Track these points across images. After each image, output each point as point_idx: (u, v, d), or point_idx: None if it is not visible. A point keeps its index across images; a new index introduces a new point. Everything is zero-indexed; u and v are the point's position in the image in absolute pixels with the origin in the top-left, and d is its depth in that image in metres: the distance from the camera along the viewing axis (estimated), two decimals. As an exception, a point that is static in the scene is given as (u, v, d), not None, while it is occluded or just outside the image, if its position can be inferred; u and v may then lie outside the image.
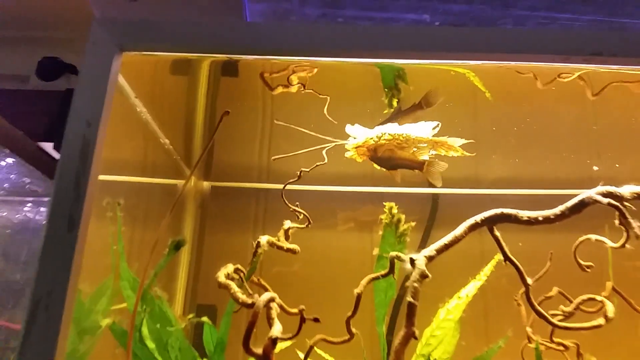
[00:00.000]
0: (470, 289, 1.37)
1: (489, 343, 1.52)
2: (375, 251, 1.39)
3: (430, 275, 0.96)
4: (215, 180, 1.71)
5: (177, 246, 1.01)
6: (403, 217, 1.37)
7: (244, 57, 1.05)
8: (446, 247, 1.04)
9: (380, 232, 1.44)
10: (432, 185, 1.70)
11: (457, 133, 1.37)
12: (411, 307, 0.93)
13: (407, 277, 1.59)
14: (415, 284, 0.94)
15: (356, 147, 1.37)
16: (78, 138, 0.88)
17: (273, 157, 1.39)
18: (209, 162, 1.70)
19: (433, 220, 1.66)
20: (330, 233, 1.75)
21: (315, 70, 1.33)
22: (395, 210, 1.38)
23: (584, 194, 1.00)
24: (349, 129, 1.33)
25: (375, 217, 1.75)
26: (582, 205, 1.01)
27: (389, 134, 1.32)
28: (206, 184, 1.70)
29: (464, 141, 1.33)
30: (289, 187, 1.38)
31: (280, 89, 1.43)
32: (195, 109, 1.60)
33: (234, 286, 1.01)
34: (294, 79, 1.30)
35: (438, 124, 1.33)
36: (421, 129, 1.33)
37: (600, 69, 1.15)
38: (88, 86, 0.91)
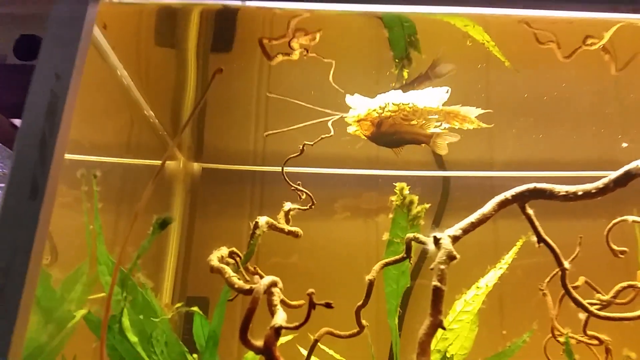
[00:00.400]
0: (490, 278, 1.24)
1: (505, 337, 1.40)
2: (385, 236, 1.26)
3: (458, 257, 0.83)
4: (207, 162, 1.57)
5: (163, 224, 0.88)
6: (416, 198, 1.24)
7: (239, 2, 0.91)
8: (473, 226, 0.91)
9: (390, 217, 1.30)
10: (442, 168, 1.58)
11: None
12: (437, 293, 0.80)
13: (417, 265, 1.45)
14: (442, 266, 0.81)
15: (359, 121, 1.23)
16: (45, 92, 0.74)
17: (266, 133, 1.25)
18: (200, 142, 1.56)
19: (444, 204, 1.53)
20: (331, 221, 1.62)
21: (318, 35, 1.19)
22: (406, 191, 1.25)
23: (630, 164, 0.87)
24: (349, 99, 1.19)
25: (380, 203, 1.62)
26: (628, 176, 0.88)
27: (392, 104, 1.18)
28: (197, 166, 1.55)
29: (480, 111, 1.18)
30: (286, 169, 1.24)
31: (280, 57, 1.29)
32: (185, 84, 1.46)
33: (228, 270, 0.88)
34: (296, 44, 1.16)
35: (448, 90, 1.18)
36: (429, 97, 1.18)
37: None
38: (59, 34, 0.78)
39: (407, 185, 1.27)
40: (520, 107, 1.44)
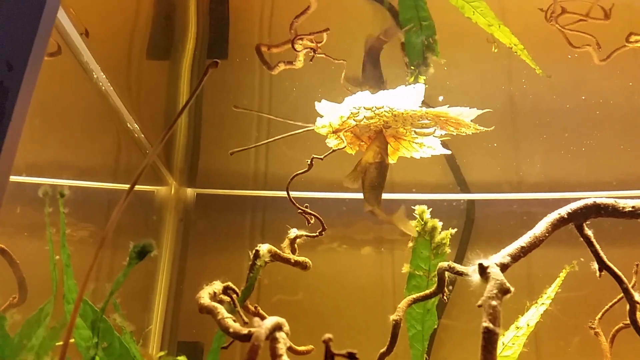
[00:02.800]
0: (530, 317, 1.06)
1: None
2: (405, 268, 1.08)
3: (512, 289, 0.66)
4: (201, 187, 1.40)
5: (141, 253, 0.71)
6: (439, 223, 1.07)
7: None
8: (524, 251, 0.75)
9: (409, 246, 1.13)
10: (466, 190, 1.42)
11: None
12: (490, 337, 0.62)
13: (443, 302, 1.27)
14: (494, 302, 0.63)
15: (335, 132, 1.02)
16: (-9, 85, 0.59)
17: (231, 151, 1.09)
18: (194, 165, 1.40)
19: (470, 231, 1.36)
20: (341, 251, 1.45)
21: (325, 36, 1.05)
22: (427, 215, 1.08)
23: None
24: (318, 106, 0.97)
25: (395, 231, 1.45)
26: None
27: (364, 108, 0.96)
28: (190, 192, 1.39)
29: (476, 112, 0.96)
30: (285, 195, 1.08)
31: (281, 66, 1.14)
32: (177, 99, 1.32)
33: (222, 310, 0.70)
34: (300, 46, 1.02)
35: (422, 88, 0.94)
36: (404, 97, 0.95)
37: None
38: (12, 14, 0.63)
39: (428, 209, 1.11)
40: (550, 118, 1.29)
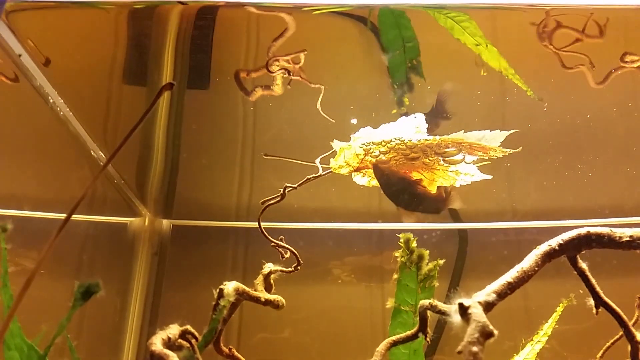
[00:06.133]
0: (526, 355, 0.98)
1: None
2: (390, 303, 1.01)
3: (496, 332, 0.58)
4: (178, 218, 1.33)
5: (86, 294, 0.64)
6: (427, 252, 1.00)
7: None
8: (511, 287, 0.68)
9: (394, 277, 1.05)
10: (457, 220, 1.34)
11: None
12: (471, 388, 0.54)
13: (431, 342, 1.18)
14: (474, 348, 0.56)
15: (358, 169, 1.00)
16: None
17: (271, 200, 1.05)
18: (170, 195, 1.33)
19: (462, 262, 1.28)
20: (329, 285, 1.37)
21: (303, 57, 1.00)
22: (414, 244, 1.01)
23: None
24: (337, 145, 0.95)
25: (384, 263, 1.38)
26: None
27: (373, 143, 0.93)
28: (165, 223, 1.32)
29: (500, 133, 0.91)
30: (274, 225, 1.03)
31: (259, 92, 1.10)
32: (153, 128, 1.26)
33: (174, 358, 0.63)
34: (275, 67, 0.97)
35: (423, 116, 0.93)
36: (407, 127, 0.93)
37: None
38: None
39: (414, 237, 1.03)
40: (545, 143, 1.22)
